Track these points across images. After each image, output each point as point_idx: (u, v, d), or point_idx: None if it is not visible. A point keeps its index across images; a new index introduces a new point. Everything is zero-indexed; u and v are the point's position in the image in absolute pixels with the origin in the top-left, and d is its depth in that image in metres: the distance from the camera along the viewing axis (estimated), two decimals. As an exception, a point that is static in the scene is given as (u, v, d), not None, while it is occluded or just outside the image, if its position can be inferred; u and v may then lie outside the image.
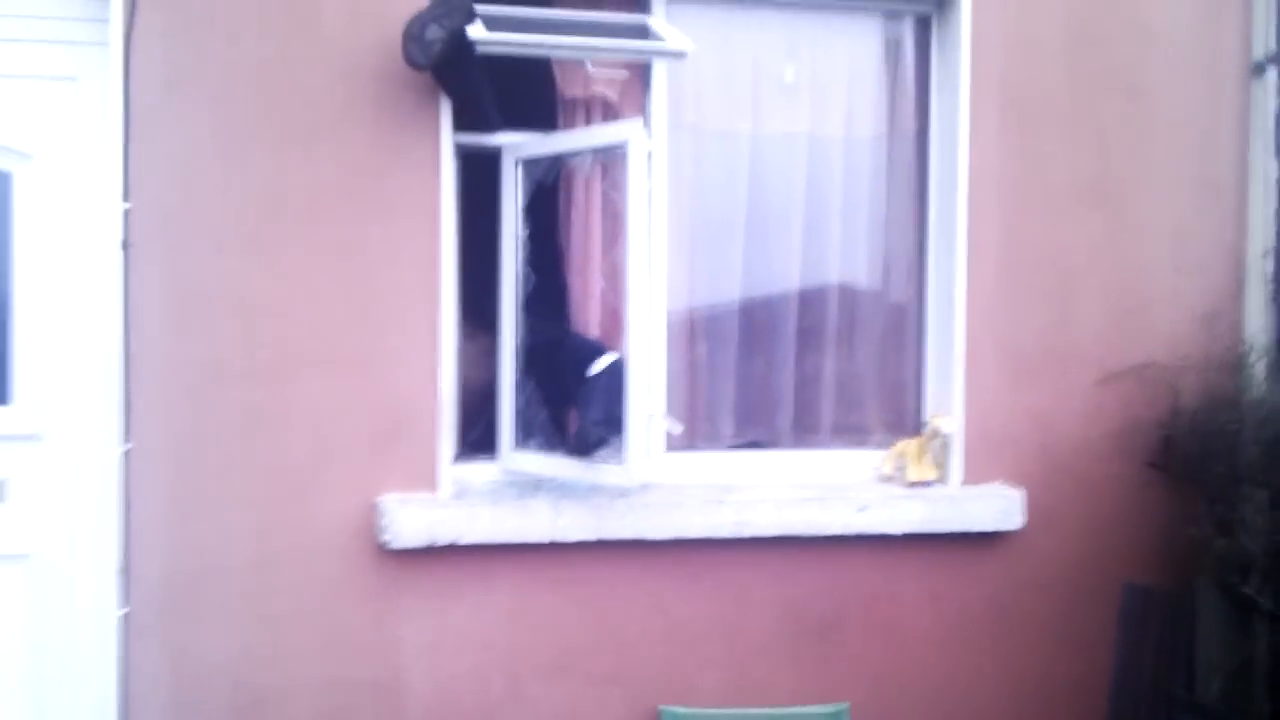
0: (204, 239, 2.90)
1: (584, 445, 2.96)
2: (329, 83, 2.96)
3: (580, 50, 2.98)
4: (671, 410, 3.29)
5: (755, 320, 3.48)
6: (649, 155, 2.83)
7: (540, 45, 2.92)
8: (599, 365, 2.99)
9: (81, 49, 2.92)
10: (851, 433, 3.53)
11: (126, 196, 2.85)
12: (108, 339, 2.87)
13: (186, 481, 2.90)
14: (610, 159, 3.09)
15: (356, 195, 2.98)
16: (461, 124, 3.09)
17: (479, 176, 3.21)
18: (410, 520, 2.95)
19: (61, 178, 2.93)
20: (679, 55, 2.95)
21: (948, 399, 3.39)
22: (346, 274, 2.98)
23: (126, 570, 2.87)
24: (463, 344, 3.21)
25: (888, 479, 3.40)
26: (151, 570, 2.88)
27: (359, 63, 2.97)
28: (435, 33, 2.79)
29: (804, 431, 3.50)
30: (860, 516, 3.21)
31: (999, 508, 3.31)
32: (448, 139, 3.04)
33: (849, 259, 3.53)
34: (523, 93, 3.24)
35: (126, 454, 2.85)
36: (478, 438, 3.26)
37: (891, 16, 3.50)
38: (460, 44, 2.79)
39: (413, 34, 2.80)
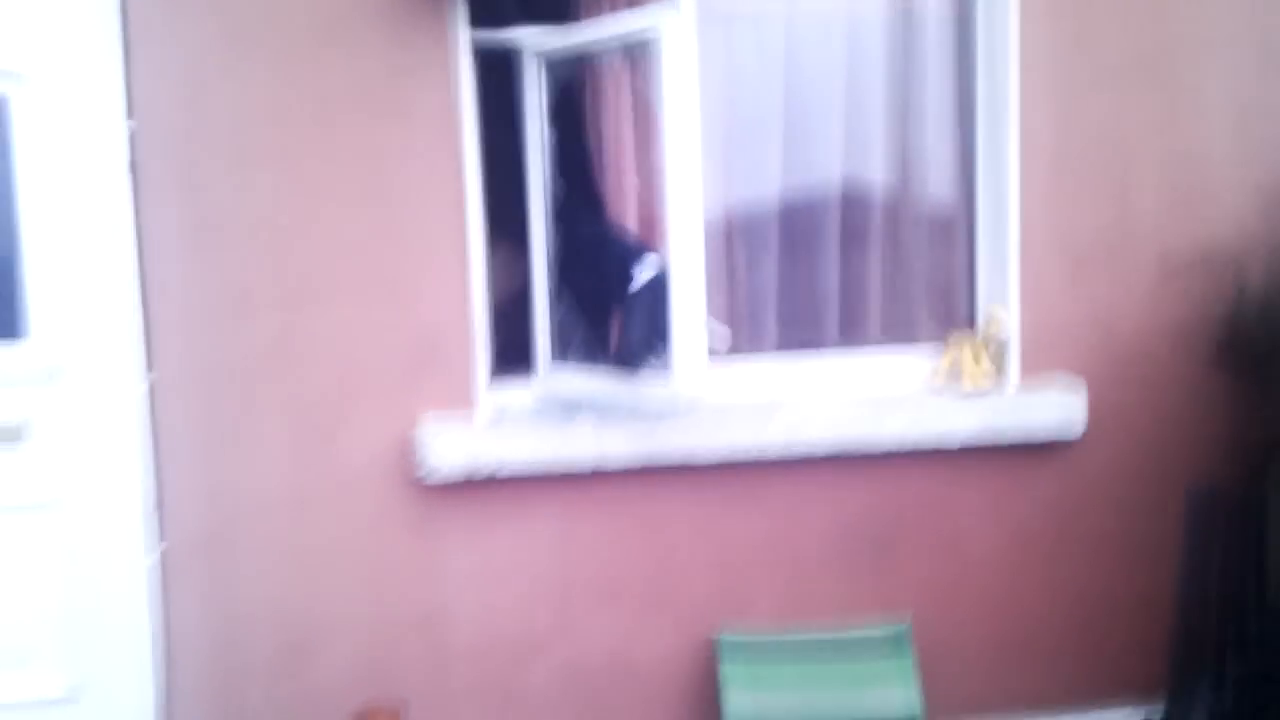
0: (215, 156, 2.72)
1: (628, 362, 2.80)
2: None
3: None
4: (713, 318, 3.12)
5: (796, 221, 3.30)
6: (682, 43, 2.63)
7: None
8: (640, 277, 2.82)
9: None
10: (902, 334, 3.35)
11: (130, 115, 2.67)
12: (122, 267, 2.71)
13: (214, 415, 2.76)
14: (640, 51, 2.88)
15: (371, 101, 2.80)
16: (477, 19, 2.88)
17: (500, 77, 3.01)
18: (447, 452, 2.80)
19: (60, 98, 2.73)
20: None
21: (1002, 296, 3.22)
22: (366, 186, 2.81)
23: (160, 509, 2.74)
24: (492, 257, 3.04)
25: (941, 387, 3.23)
26: (184, 510, 2.76)
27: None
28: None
29: (852, 335, 3.34)
30: (914, 429, 3.06)
31: (1058, 415, 3.14)
32: (464, 36, 2.84)
33: (892, 151, 3.33)
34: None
35: (150, 387, 2.71)
36: (513, 357, 3.10)
37: None
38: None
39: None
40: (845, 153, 3.29)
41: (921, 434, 3.07)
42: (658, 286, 2.76)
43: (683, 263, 2.69)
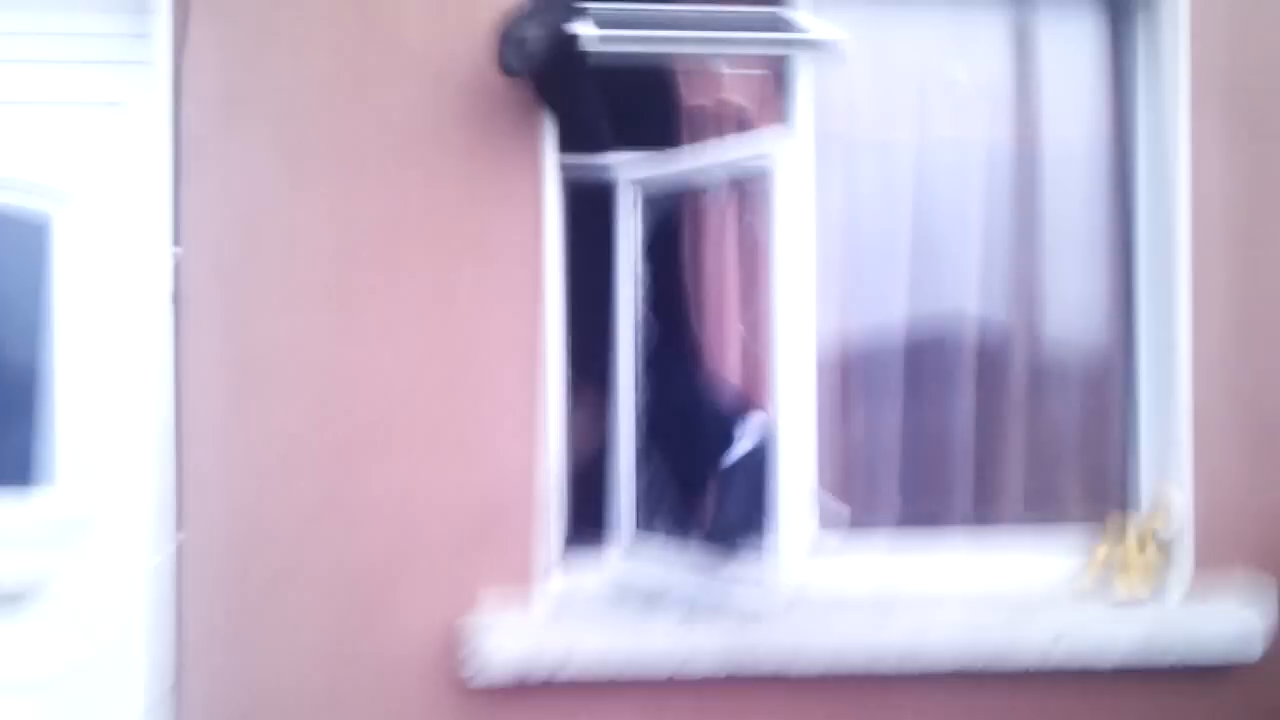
0: (268, 290, 2.43)
1: (721, 545, 2.38)
2: (411, 101, 2.47)
3: (710, 45, 2.40)
4: (822, 487, 2.70)
5: (921, 375, 2.85)
6: (798, 172, 2.27)
7: (663, 42, 2.36)
8: (741, 444, 2.43)
9: (126, 70, 2.48)
10: (1046, 511, 2.86)
11: (177, 241, 2.40)
12: (159, 408, 2.40)
13: (245, 585, 2.41)
14: (750, 179, 2.54)
15: (445, 234, 2.48)
16: (567, 144, 2.58)
17: (587, 206, 2.68)
18: (499, 648, 2.39)
19: (104, 220, 2.49)
20: (829, 48, 2.36)
21: (1169, 472, 2.72)
22: (434, 329, 2.48)
23: (178, 690, 2.38)
24: (571, 411, 2.68)
25: (1089, 591, 2.70)
26: (200, 694, 2.39)
27: (446, 75, 2.47)
28: (534, 32, 2.29)
29: (986, 510, 2.85)
30: (1057, 645, 2.54)
31: (1234, 631, 2.59)
32: (551, 163, 2.52)
33: (1035, 295, 2.88)
34: (637, 106, 2.70)
35: (178, 549, 2.38)
36: (587, 528, 2.70)
37: (1081, 2, 2.87)
38: (565, 45, 2.29)
39: (508, 35, 2.31)
40: (980, 296, 2.86)
41: (1066, 652, 2.54)
42: (760, 455, 2.36)
43: (790, 426, 2.28)
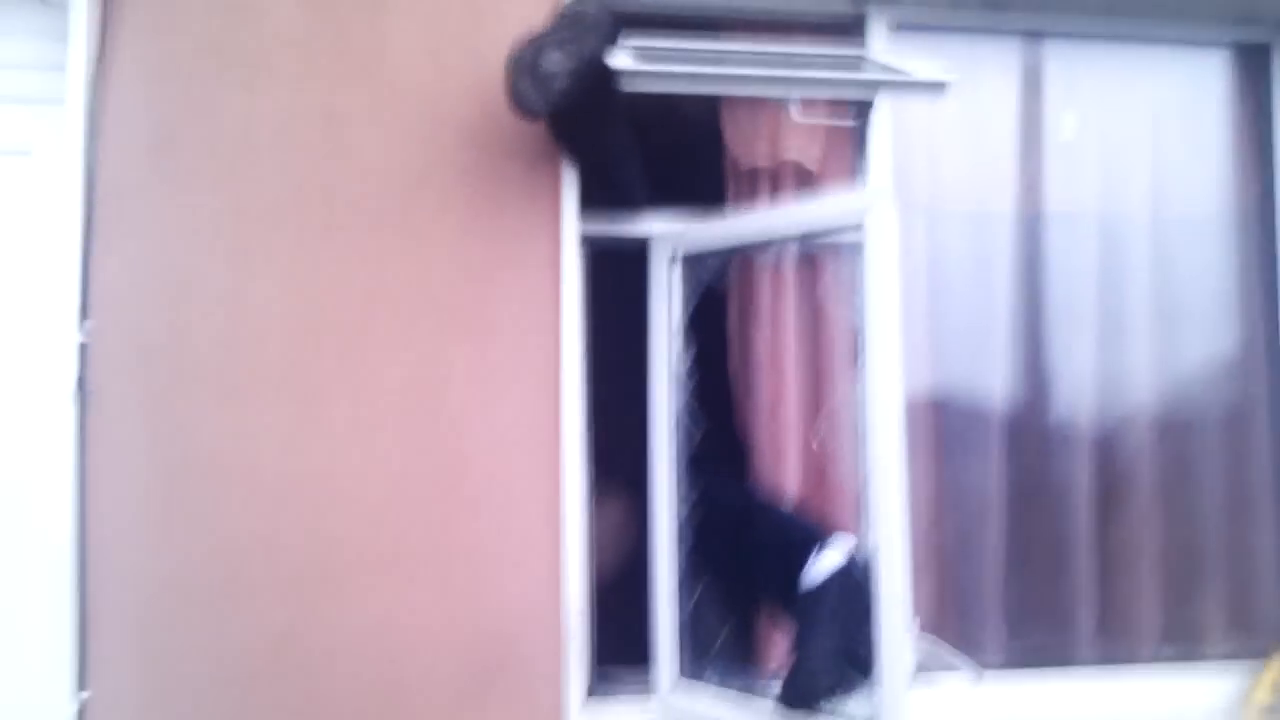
0: (203, 378, 1.91)
1: (809, 690, 1.84)
2: (395, 147, 1.99)
3: (777, 85, 1.89)
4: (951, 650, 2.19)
5: (1029, 476, 2.34)
6: (889, 241, 1.79)
7: (726, 81, 1.88)
8: (826, 562, 1.92)
9: (33, 109, 1.99)
10: (1183, 640, 2.34)
11: (87, 315, 1.87)
12: (56, 530, 1.86)
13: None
14: (820, 249, 2.08)
15: (436, 308, 1.98)
16: (592, 201, 2.10)
17: (615, 275, 2.20)
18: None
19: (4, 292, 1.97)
20: (936, 89, 1.89)
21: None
22: (421, 423, 1.96)
23: None
24: (598, 522, 2.17)
25: (1256, 713, 2.22)
26: None
27: (440, 118, 2.00)
28: (557, 63, 1.81)
29: (1109, 642, 2.32)
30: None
31: None
32: (571, 224, 2.04)
33: (1163, 377, 2.39)
34: (675, 161, 2.25)
35: (83, 707, 1.81)
36: (621, 663, 2.18)
37: (1207, 47, 2.43)
38: (594, 79, 1.81)
39: (525, 64, 1.83)
40: (1098, 381, 2.36)
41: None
42: (847, 584, 1.85)
43: (892, 540, 1.78)
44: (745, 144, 2.23)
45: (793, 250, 2.12)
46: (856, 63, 2.00)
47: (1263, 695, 2.20)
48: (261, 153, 1.95)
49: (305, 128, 1.96)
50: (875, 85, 1.91)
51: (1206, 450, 2.39)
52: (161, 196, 1.92)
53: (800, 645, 1.87)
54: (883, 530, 1.78)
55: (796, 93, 1.98)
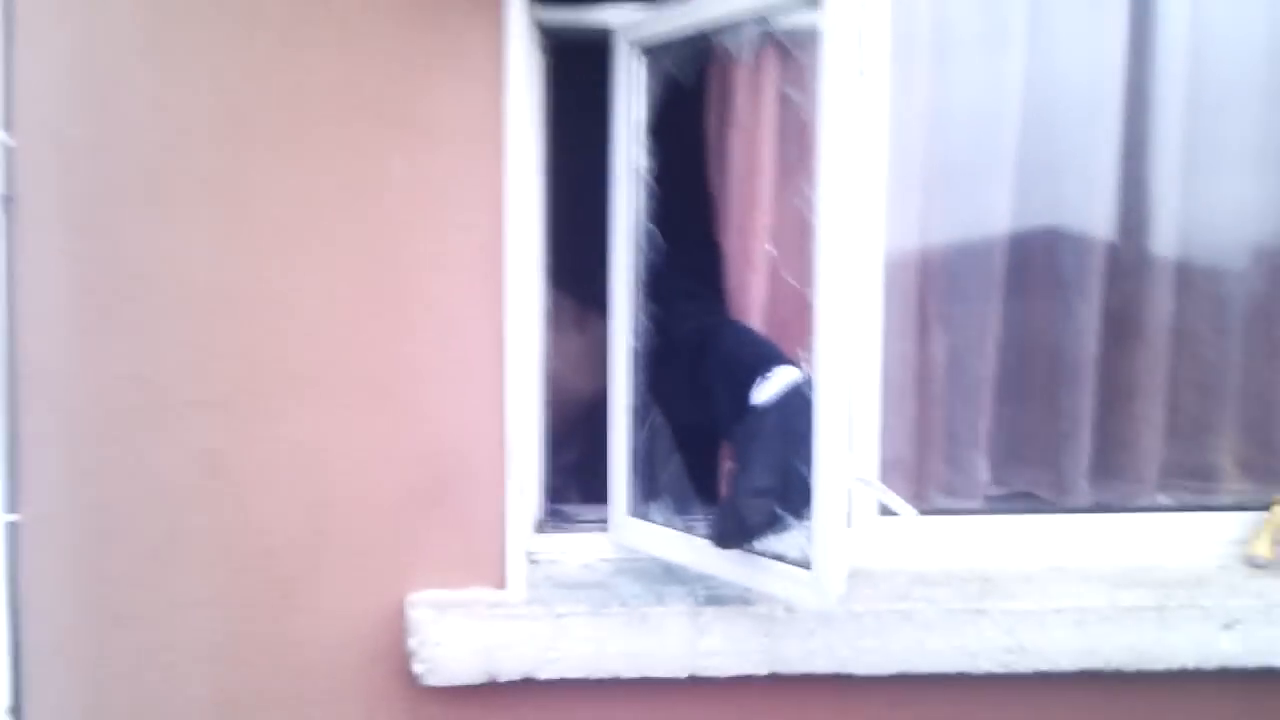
0: (127, 187, 1.80)
1: (738, 530, 1.71)
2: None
3: None
4: (890, 445, 2.03)
5: (1028, 302, 2.15)
6: (859, 28, 1.55)
7: None
8: (767, 390, 1.75)
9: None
10: (1189, 481, 2.17)
11: (8, 125, 1.78)
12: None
13: (105, 574, 1.82)
14: (794, 39, 1.84)
15: (368, 110, 1.82)
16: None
17: (574, 73, 2.00)
18: (457, 640, 1.80)
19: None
20: None
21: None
22: (355, 237, 1.83)
23: (19, 714, 1.83)
24: (551, 346, 2.05)
25: (1259, 564, 2.02)
26: (50, 716, 1.84)
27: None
28: None
29: (1108, 479, 2.16)
30: (1225, 637, 1.87)
31: None
32: (519, 12, 1.83)
33: (1186, 200, 2.15)
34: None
35: (12, 528, 1.80)
36: (577, 495, 2.07)
37: None
38: None
39: None
40: (1119, 198, 2.13)
41: (1236, 647, 1.87)
42: (793, 407, 1.68)
43: (837, 372, 1.60)
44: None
45: (761, 42, 1.88)
46: None
47: (1262, 548, 1.97)
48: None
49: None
50: None
51: (1223, 279, 2.16)
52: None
53: (738, 475, 1.72)
54: (822, 351, 1.59)
55: None
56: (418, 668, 1.81)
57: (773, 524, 1.67)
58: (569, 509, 2.09)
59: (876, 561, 2.00)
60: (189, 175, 1.80)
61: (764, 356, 1.80)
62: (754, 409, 1.73)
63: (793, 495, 1.63)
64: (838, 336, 1.59)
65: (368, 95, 1.82)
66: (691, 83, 1.93)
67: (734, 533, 1.69)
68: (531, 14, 1.88)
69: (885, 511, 1.96)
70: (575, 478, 2.16)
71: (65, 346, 1.80)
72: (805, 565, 1.66)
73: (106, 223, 1.80)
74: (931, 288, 2.11)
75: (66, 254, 1.79)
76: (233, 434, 1.83)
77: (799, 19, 1.77)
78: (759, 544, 1.73)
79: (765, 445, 1.69)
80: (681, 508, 1.95)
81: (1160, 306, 2.13)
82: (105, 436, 1.80)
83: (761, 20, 1.81)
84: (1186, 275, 2.15)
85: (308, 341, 1.83)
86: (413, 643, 1.81)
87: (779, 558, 1.72)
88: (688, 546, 1.84)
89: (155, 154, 1.80)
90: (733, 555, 1.75)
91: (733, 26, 1.81)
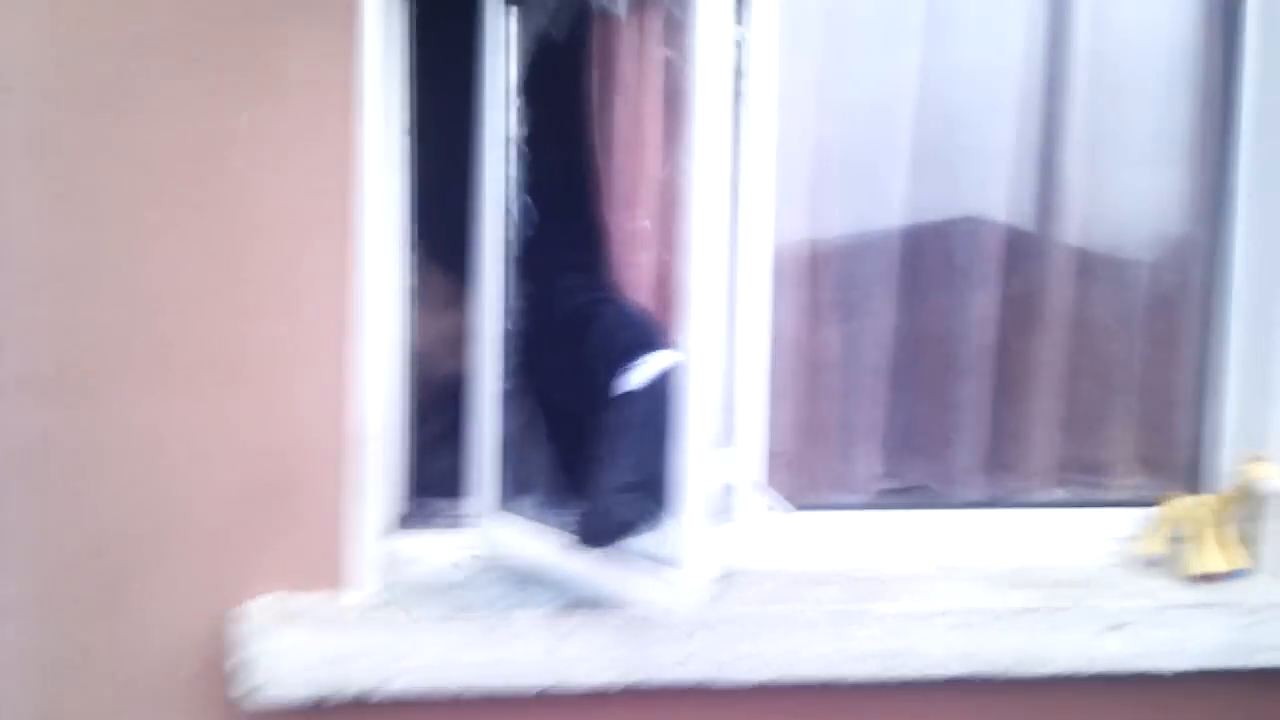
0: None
1: (606, 528, 1.58)
2: None
3: None
4: (778, 434, 1.93)
5: (920, 290, 2.06)
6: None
7: None
8: (640, 375, 1.62)
9: None
10: (1081, 478, 2.11)
11: None
12: None
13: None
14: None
15: (209, 61, 1.64)
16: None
17: (442, 27, 1.85)
18: (293, 652, 1.63)
19: None
20: None
21: (1263, 428, 1.94)
22: (192, 203, 1.65)
23: None
24: (419, 324, 1.90)
25: (1150, 563, 1.97)
26: None
27: None
28: None
29: (998, 475, 2.09)
30: (1113, 640, 1.79)
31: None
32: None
33: (1088, 190, 2.08)
34: None
35: None
36: (434, 489, 1.93)
37: None
38: None
39: None
40: (1004, 196, 2.05)
41: (1123, 650, 1.80)
42: (666, 392, 1.56)
43: (705, 358, 1.49)
44: None
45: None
46: None
47: (1152, 545, 1.92)
48: None
49: None
50: None
51: (1118, 270, 2.10)
52: None
53: (603, 469, 1.59)
54: (690, 332, 1.48)
55: None
56: (243, 685, 1.65)
57: (645, 520, 1.54)
58: (440, 503, 1.94)
59: (759, 561, 1.89)
60: (13, 130, 1.61)
61: (641, 339, 1.66)
62: (624, 395, 1.60)
63: (667, 489, 1.50)
64: (705, 315, 1.47)
65: (210, 44, 1.64)
66: (566, 41, 1.78)
67: (601, 531, 1.56)
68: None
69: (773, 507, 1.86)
70: (450, 468, 2.01)
71: None
72: (676, 565, 1.54)
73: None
74: (824, 276, 2.01)
75: None
76: (60, 417, 1.64)
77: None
78: (633, 542, 1.61)
79: (636, 435, 1.56)
80: (556, 501, 1.82)
81: (1059, 296, 2.06)
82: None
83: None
84: (1086, 265, 2.08)
85: (144, 316, 1.65)
86: (241, 655, 1.65)
87: (651, 557, 1.59)
88: (556, 545, 1.71)
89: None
90: (600, 554, 1.63)
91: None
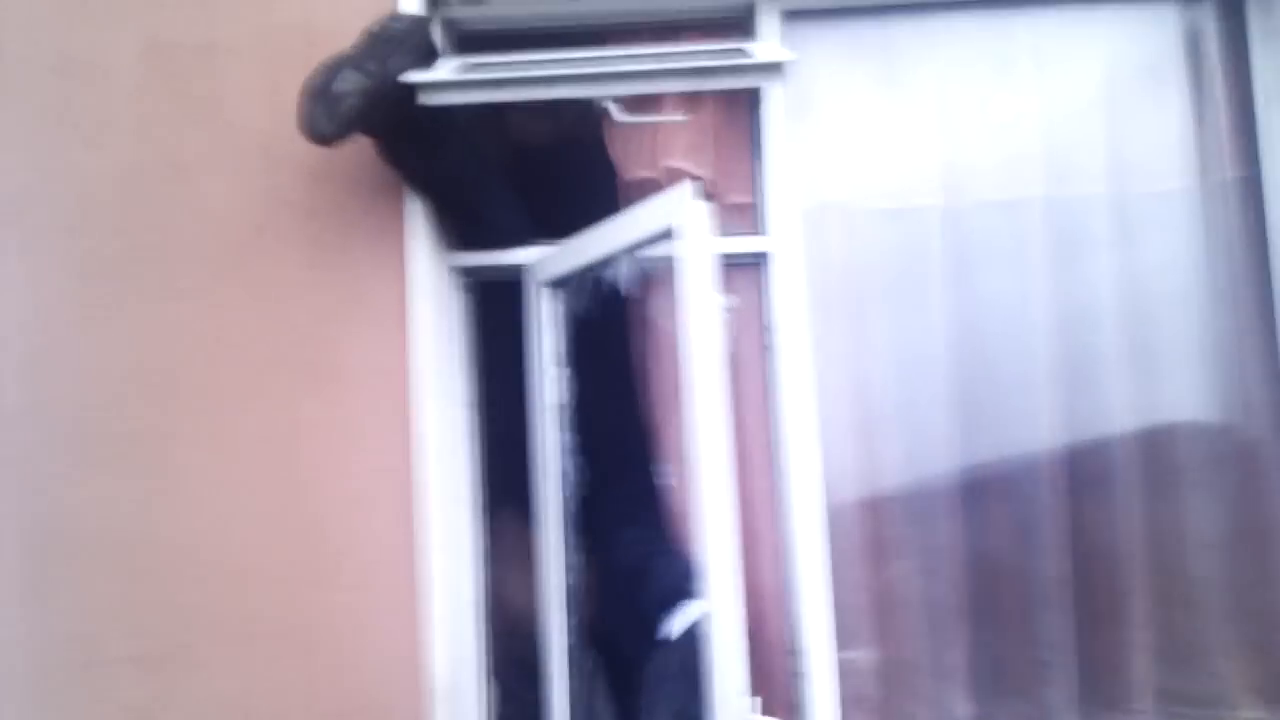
0: (58, 447, 1.86)
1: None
2: (237, 194, 1.91)
3: (586, 83, 1.70)
4: (855, 679, 1.89)
5: (989, 513, 2.01)
6: (709, 246, 1.53)
7: (522, 82, 1.69)
8: (677, 623, 1.65)
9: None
10: (1188, 705, 1.96)
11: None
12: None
13: None
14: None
15: (283, 358, 1.87)
16: (463, 239, 1.97)
17: (494, 311, 2.04)
18: None
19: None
20: (770, 72, 1.66)
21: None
22: (277, 486, 1.85)
23: None
24: (488, 583, 1.99)
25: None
26: None
27: (280, 159, 1.91)
28: (350, 82, 1.68)
29: (1098, 707, 1.96)
30: None
31: None
32: (421, 258, 1.88)
33: (1147, 390, 2.02)
34: (567, 184, 2.08)
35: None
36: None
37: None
38: (399, 98, 1.68)
39: (317, 87, 1.72)
40: (1068, 401, 2.01)
41: None
42: (698, 641, 1.58)
43: (724, 599, 1.51)
44: (629, 155, 2.02)
45: (659, 270, 1.88)
46: (704, 55, 1.77)
47: None
48: (105, 210, 1.90)
49: (147, 180, 1.91)
50: (697, 74, 1.68)
51: (1203, 470, 2.00)
52: (10, 261, 1.90)
53: (646, 708, 1.60)
54: (714, 586, 1.51)
55: (612, 90, 1.77)
56: None
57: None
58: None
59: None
60: (115, 431, 1.86)
61: (683, 586, 1.70)
62: (661, 643, 1.63)
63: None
64: (723, 560, 1.50)
65: (282, 345, 1.87)
66: (602, 315, 1.93)
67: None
68: (446, 260, 1.94)
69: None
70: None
71: (7, 609, 1.82)
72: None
73: (37, 482, 1.86)
74: (882, 516, 2.00)
75: (7, 515, 1.83)
76: (161, 691, 1.81)
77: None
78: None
79: (671, 689, 1.58)
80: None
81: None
82: (36, 694, 1.80)
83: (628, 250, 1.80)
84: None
85: (232, 594, 1.83)
86: None
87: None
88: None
89: (82, 412, 1.87)
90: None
91: (612, 256, 1.81)
